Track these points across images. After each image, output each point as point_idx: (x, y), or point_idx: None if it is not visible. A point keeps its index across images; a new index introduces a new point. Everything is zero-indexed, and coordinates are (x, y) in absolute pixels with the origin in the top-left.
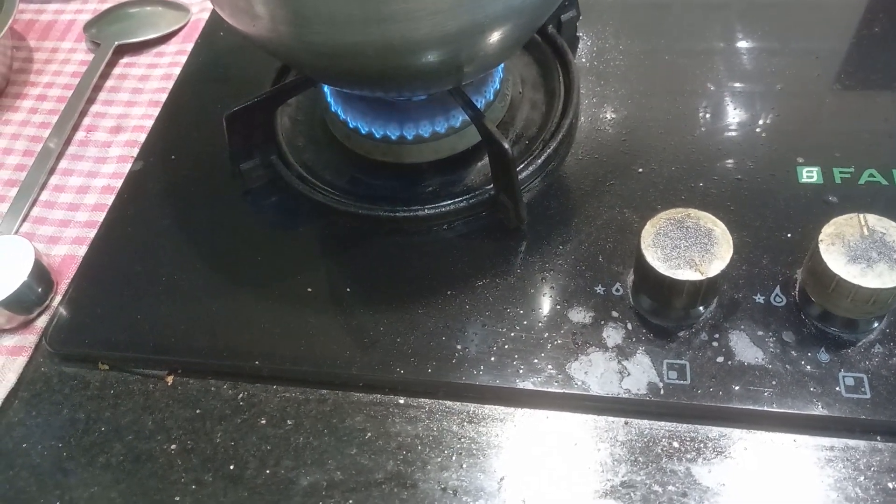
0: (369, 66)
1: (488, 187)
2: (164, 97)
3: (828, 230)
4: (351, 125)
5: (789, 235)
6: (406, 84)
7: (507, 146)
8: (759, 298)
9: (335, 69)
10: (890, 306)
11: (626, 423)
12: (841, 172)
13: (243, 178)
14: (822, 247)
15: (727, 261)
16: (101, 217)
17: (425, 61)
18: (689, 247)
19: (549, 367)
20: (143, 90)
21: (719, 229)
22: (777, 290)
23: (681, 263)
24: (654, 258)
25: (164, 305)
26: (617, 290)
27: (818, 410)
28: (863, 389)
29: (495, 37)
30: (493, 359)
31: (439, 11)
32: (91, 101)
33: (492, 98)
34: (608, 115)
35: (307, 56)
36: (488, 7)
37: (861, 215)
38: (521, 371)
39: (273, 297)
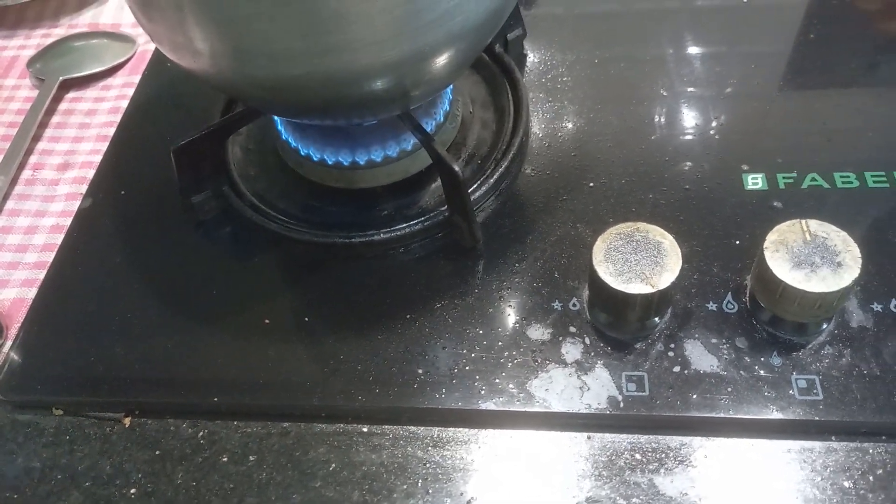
0: (314, 98)
1: (443, 208)
2: (112, 131)
3: (772, 237)
4: (302, 153)
5: (738, 242)
6: (353, 111)
7: (457, 169)
8: (712, 306)
9: (280, 101)
10: (836, 308)
11: (588, 437)
12: (784, 178)
13: (195, 211)
14: (767, 254)
15: (677, 272)
16: (50, 257)
17: (370, 90)
18: (640, 260)
19: (511, 386)
20: (91, 125)
21: (668, 241)
22: (728, 296)
23: (632, 277)
24: (606, 273)
25: (118, 345)
26: (573, 305)
27: (773, 414)
28: (815, 391)
29: (439, 62)
30: (454, 381)
31: (380, 41)
32: (37, 138)
33: (442, 120)
34: (559, 131)
35: (251, 90)
36: (429, 34)
37: (803, 221)
38: (482, 392)
39: (230, 330)
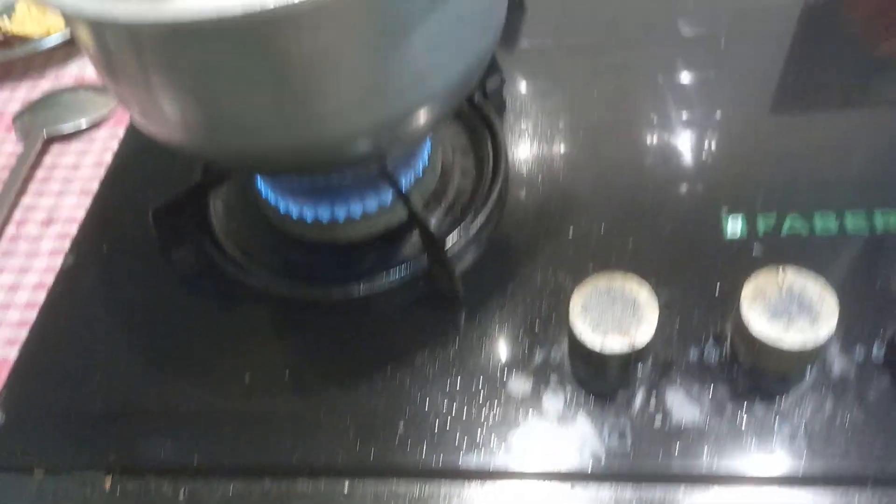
0: (287, 163)
1: (423, 259)
2: (96, 185)
3: (749, 287)
4: (282, 210)
5: (718, 287)
6: (328, 171)
7: (433, 229)
8: (693, 354)
9: (255, 167)
10: (815, 359)
11: (571, 486)
12: (764, 219)
13: (175, 267)
14: (744, 304)
15: (654, 326)
16: (33, 315)
17: (343, 154)
18: (617, 314)
19: (492, 439)
20: (75, 179)
21: (645, 293)
22: (709, 344)
23: (610, 332)
24: (584, 329)
25: (99, 405)
26: (554, 355)
27: (757, 464)
28: (798, 440)
29: (413, 124)
30: (435, 436)
31: (351, 110)
32: (22, 193)
33: (421, 171)
34: (538, 175)
35: (222, 158)
36: (400, 100)
37: (780, 269)
38: (464, 446)
39: (211, 387)
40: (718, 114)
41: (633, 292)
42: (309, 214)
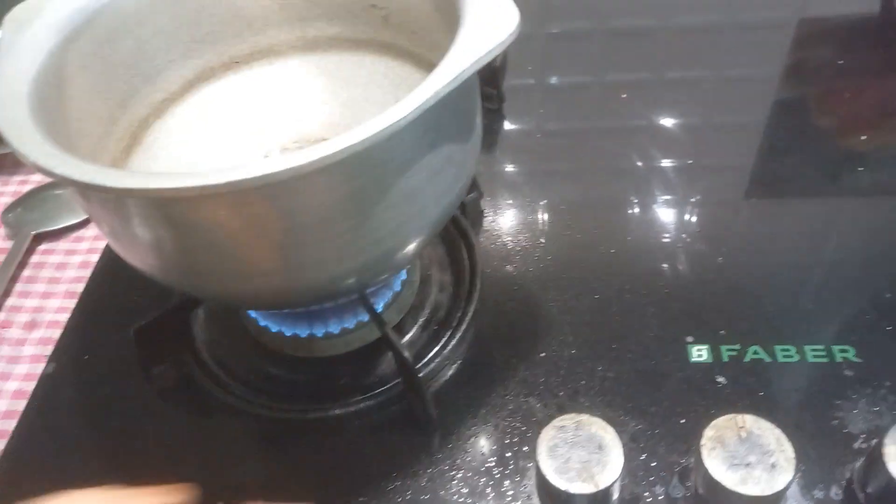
0: (269, 304)
1: (398, 380)
2: (81, 287)
3: (708, 433)
4: (261, 323)
5: (683, 421)
6: (307, 304)
7: (406, 352)
8: (659, 491)
9: (235, 305)
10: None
11: None
12: (728, 350)
13: (156, 382)
14: (703, 452)
15: (619, 470)
16: (11, 425)
17: (324, 295)
18: (583, 456)
19: None
20: (61, 279)
21: (609, 436)
22: (675, 481)
23: (574, 473)
24: (549, 470)
25: None
26: (523, 489)
27: None
28: None
29: (395, 260)
30: None
31: (327, 260)
32: (7, 292)
33: (399, 288)
34: (513, 294)
35: (202, 297)
36: (378, 247)
37: (739, 417)
38: None
39: None
40: (684, 238)
41: (599, 434)
42: (287, 331)
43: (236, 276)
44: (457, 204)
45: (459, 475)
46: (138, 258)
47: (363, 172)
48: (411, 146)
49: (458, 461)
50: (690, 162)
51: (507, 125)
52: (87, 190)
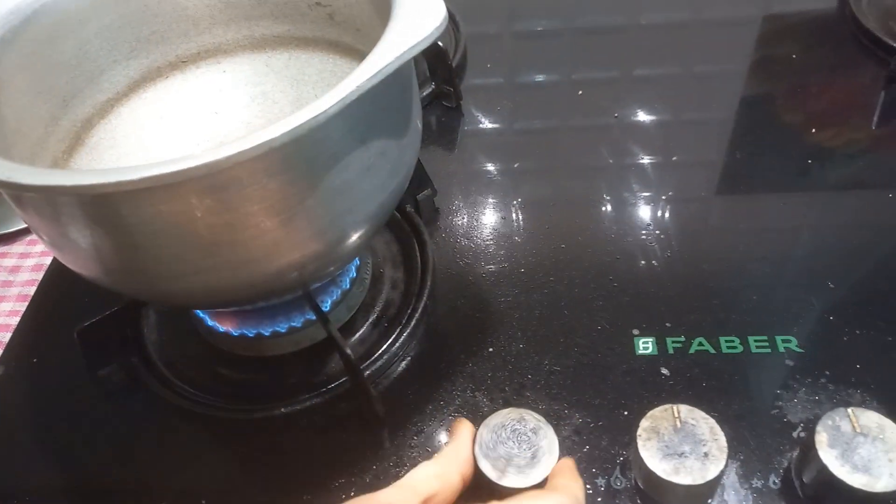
0: (209, 303)
1: (345, 378)
2: (33, 290)
3: (645, 424)
4: (209, 324)
5: (626, 413)
6: (250, 302)
7: (351, 351)
8: (601, 483)
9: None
10: (710, 495)
11: None
12: (673, 342)
13: (103, 384)
14: (639, 442)
15: (553, 462)
16: None
17: (265, 292)
18: (518, 452)
19: None
20: (13, 283)
21: (548, 434)
22: (617, 472)
23: (508, 468)
24: (485, 463)
25: None
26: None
27: None
28: None
29: (337, 254)
30: None
31: (259, 259)
32: None
33: (349, 285)
34: (465, 291)
35: (142, 298)
36: (315, 242)
37: (675, 407)
38: None
39: None
40: (621, 251)
41: (536, 429)
42: (234, 330)
43: (171, 275)
44: (395, 200)
45: (405, 471)
46: (72, 260)
47: (290, 167)
48: (339, 140)
49: (404, 458)
50: (652, 160)
51: (468, 124)
52: (3, 188)
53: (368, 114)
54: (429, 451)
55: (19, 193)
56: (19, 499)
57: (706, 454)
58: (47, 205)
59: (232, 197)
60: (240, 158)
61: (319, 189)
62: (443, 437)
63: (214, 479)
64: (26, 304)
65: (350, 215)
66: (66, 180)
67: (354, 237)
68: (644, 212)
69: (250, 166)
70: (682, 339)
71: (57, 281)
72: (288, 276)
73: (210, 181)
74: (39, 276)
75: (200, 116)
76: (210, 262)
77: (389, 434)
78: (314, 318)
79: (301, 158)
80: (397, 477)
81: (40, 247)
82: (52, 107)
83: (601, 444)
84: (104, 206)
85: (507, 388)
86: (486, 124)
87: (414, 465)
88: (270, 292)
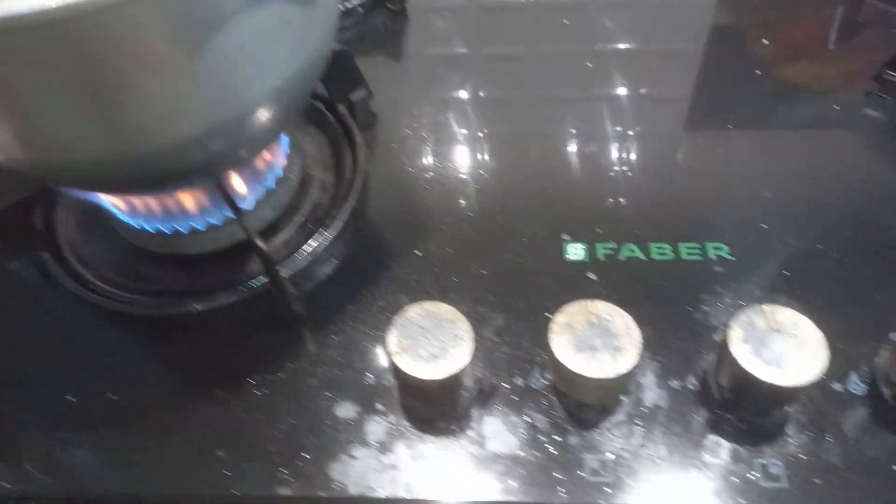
0: (110, 181)
1: (265, 279)
2: None
3: (560, 319)
4: (123, 220)
5: (547, 315)
6: (158, 187)
7: (262, 246)
8: (519, 382)
9: (74, 185)
10: (618, 393)
11: None
12: (604, 249)
13: (13, 279)
14: (552, 336)
15: (469, 354)
16: None
17: (169, 167)
18: (433, 345)
19: (311, 469)
20: None
21: (463, 324)
22: (535, 372)
23: (425, 360)
24: (400, 358)
25: None
26: (384, 382)
27: (561, 497)
28: (605, 472)
29: (235, 134)
30: (254, 464)
31: (170, 119)
32: None
33: (274, 185)
34: (396, 196)
35: (38, 175)
36: (225, 106)
37: (590, 303)
38: (281, 476)
39: (38, 409)
40: (549, 158)
41: (451, 321)
42: (150, 227)
43: (67, 140)
44: (306, 82)
45: (321, 370)
46: None
47: (166, 18)
48: None
49: (322, 357)
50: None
51: (414, 30)
52: None
53: None
54: (347, 350)
55: None
56: None
57: (618, 348)
58: None
59: (102, 49)
60: (102, 3)
61: (206, 50)
62: (362, 336)
63: (124, 376)
64: None
65: (249, 88)
66: None
67: (260, 115)
68: (590, 124)
69: (119, 13)
70: (614, 245)
71: None
72: (190, 154)
73: (72, 26)
74: None
75: None
76: (93, 128)
77: (310, 334)
78: (234, 216)
79: (179, 9)
80: (313, 377)
81: None
82: None
83: (522, 345)
84: None
85: (431, 290)
86: (436, 33)
87: (332, 363)
88: (174, 173)
